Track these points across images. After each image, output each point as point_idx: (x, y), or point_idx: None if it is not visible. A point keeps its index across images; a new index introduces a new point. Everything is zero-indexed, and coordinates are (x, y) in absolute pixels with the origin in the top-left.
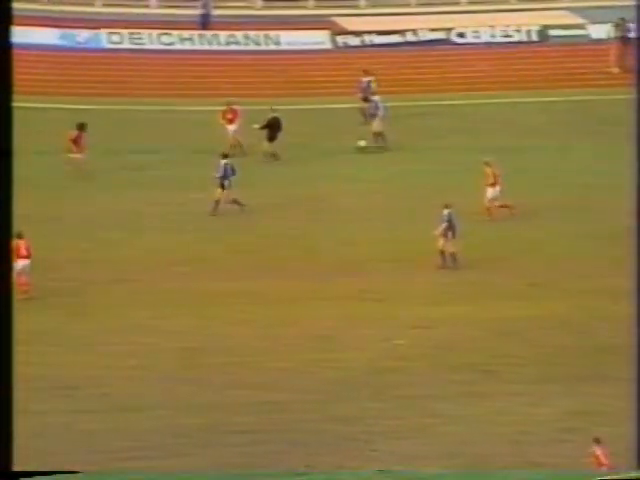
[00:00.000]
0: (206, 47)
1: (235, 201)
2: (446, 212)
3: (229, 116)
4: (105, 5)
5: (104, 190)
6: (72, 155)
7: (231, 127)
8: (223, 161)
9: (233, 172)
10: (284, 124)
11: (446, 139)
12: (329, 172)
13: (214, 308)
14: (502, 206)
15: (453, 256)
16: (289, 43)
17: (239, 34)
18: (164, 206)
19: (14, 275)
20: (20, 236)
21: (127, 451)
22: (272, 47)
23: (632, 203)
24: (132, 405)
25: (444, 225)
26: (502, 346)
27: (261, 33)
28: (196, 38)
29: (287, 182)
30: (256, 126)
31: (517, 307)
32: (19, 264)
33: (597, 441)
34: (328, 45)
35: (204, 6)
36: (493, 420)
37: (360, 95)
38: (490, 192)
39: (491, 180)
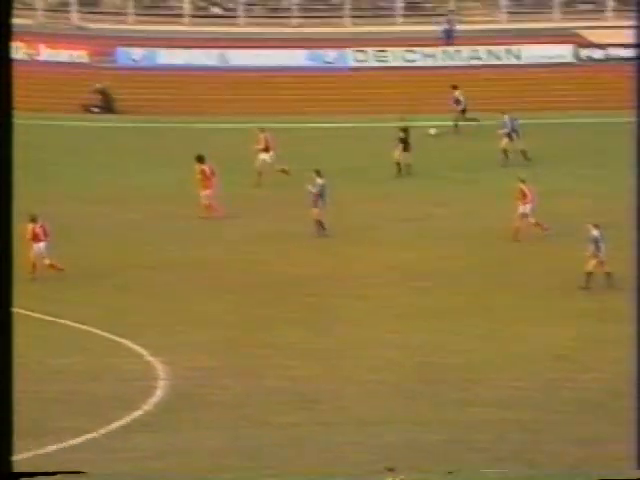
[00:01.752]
0: (448, 63)
1: (320, 223)
2: (595, 232)
3: (262, 145)
4: (353, 24)
5: (343, 204)
6: (203, 192)
7: (263, 156)
8: (319, 180)
9: (325, 192)
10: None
11: None
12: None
13: (451, 323)
14: (536, 224)
15: (609, 276)
16: (530, 57)
17: (481, 49)
18: (404, 222)
19: (34, 257)
20: (34, 220)
21: (370, 464)
22: (513, 61)
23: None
24: (372, 419)
25: (593, 246)
26: None
27: (502, 47)
28: (439, 54)
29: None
30: (397, 150)
31: None
32: (39, 246)
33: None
34: (570, 59)
35: (448, 22)
36: None
37: (457, 107)
38: (521, 209)
39: (527, 198)
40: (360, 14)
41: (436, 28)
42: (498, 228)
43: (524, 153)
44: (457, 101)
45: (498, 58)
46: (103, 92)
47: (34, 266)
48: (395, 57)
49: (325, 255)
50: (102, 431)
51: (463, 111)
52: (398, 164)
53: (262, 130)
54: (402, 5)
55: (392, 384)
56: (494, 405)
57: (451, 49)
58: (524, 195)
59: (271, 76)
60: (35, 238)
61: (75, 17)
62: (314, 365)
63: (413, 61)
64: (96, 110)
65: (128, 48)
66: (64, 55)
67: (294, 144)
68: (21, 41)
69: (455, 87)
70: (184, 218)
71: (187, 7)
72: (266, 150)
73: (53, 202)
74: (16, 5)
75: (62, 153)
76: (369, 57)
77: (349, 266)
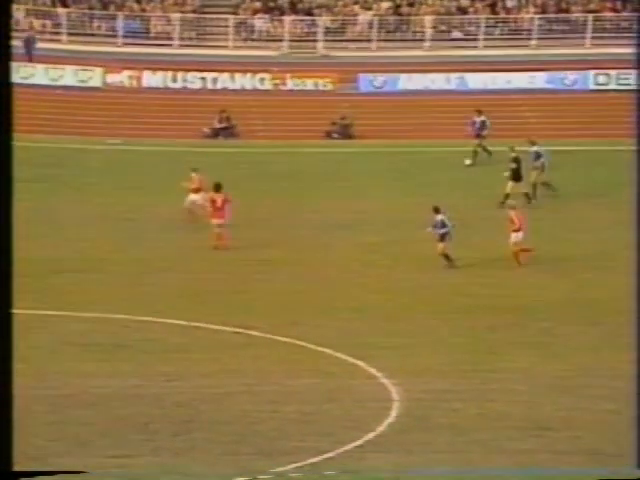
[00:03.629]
0: None
1: (447, 256)
2: None
3: (195, 185)
4: (593, 45)
5: (583, 230)
6: (215, 221)
7: (194, 197)
8: (439, 216)
9: (445, 225)
10: None
11: None
12: None
13: None
14: (523, 250)
15: None
16: None
17: None
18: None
19: None
20: None
21: None
22: None
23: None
24: (606, 451)
25: None
26: None
27: None
28: None
29: None
30: (506, 174)
31: None
32: None
33: None
34: None
35: None
36: None
37: (472, 134)
38: (513, 237)
39: (515, 226)
40: (601, 34)
41: None
42: None
43: (534, 188)
44: (482, 126)
45: None
46: (344, 118)
47: None
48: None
49: (559, 280)
50: (338, 451)
51: (484, 137)
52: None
53: (195, 170)
54: None
55: (629, 416)
56: None
57: None
58: (512, 222)
59: (509, 99)
60: None
61: (320, 46)
62: (546, 391)
63: None
64: (336, 136)
65: (370, 74)
66: (309, 84)
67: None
68: (266, 72)
69: (480, 112)
70: (411, 243)
71: (429, 32)
72: (197, 191)
73: (294, 227)
74: (262, 37)
75: (308, 179)
76: (611, 79)
77: (584, 292)
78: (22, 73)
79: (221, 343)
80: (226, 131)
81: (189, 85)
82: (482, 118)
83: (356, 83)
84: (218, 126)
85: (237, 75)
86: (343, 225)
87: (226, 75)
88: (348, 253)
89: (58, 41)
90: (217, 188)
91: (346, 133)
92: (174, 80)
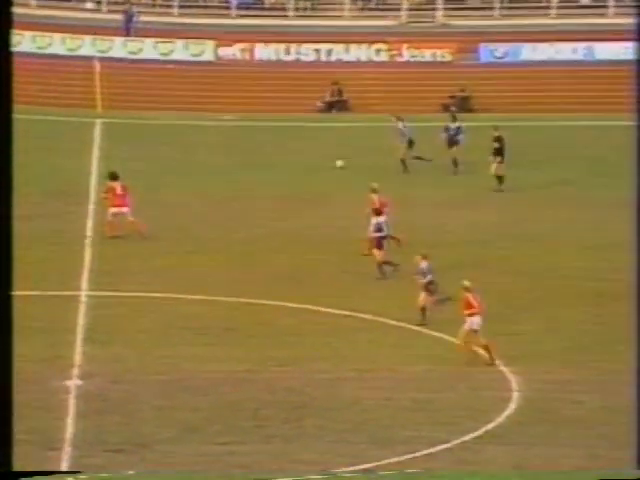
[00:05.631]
0: None
1: (381, 264)
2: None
3: None
4: None
5: None
6: (114, 209)
7: None
8: (381, 218)
9: (388, 229)
10: None
11: None
12: None
13: None
14: (392, 238)
15: None
16: None
17: None
18: None
19: None
20: None
21: None
22: None
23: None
24: None
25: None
26: None
27: None
28: None
29: None
30: (491, 158)
31: None
32: None
33: None
34: None
35: None
36: None
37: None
38: (373, 221)
39: (376, 208)
40: None
41: None
42: None
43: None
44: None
45: None
46: (463, 91)
47: None
48: None
49: None
50: (455, 441)
51: (411, 143)
52: (499, 177)
53: None
54: None
55: None
56: None
57: None
58: (375, 205)
59: None
60: None
61: (440, 15)
62: None
63: None
64: (454, 109)
65: (491, 44)
66: (427, 54)
67: None
68: (384, 42)
69: (399, 118)
70: (531, 222)
71: None
72: None
73: (402, 205)
74: (379, 6)
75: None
76: None
77: None
78: (130, 48)
79: (332, 327)
80: (339, 104)
81: (302, 57)
82: (401, 124)
83: (476, 53)
84: (330, 99)
85: (352, 46)
86: (455, 204)
87: (341, 46)
88: (461, 234)
89: (169, 14)
90: (113, 177)
91: (465, 106)
92: (287, 52)
